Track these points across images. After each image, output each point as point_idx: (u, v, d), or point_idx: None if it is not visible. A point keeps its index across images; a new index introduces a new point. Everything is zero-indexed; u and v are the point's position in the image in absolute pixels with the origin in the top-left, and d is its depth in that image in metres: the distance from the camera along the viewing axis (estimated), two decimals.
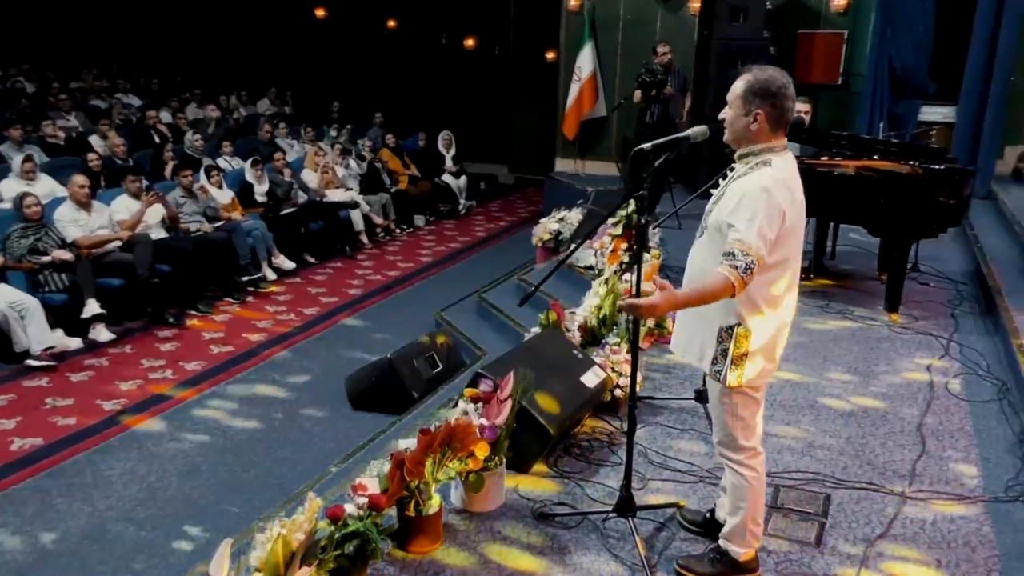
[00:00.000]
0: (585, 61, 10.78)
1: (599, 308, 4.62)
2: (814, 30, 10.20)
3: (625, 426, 3.88)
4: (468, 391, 3.35)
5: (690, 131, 2.75)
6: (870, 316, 5.46)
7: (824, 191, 5.52)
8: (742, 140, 2.56)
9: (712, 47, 9.52)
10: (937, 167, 5.43)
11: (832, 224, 6.57)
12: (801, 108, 6.45)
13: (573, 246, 4.11)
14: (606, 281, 4.82)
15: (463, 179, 12.09)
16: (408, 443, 2.97)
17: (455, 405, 3.36)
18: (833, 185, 5.60)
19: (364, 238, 9.75)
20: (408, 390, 5.31)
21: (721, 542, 2.80)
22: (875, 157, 5.73)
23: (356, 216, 9.64)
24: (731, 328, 2.55)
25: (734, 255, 2.39)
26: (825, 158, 6.24)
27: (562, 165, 11.30)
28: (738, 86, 2.53)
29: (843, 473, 3.52)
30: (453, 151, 12.21)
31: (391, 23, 15.42)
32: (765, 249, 2.41)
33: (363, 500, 2.63)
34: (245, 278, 7.84)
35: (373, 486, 2.70)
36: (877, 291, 5.91)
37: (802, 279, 6.14)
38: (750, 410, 2.64)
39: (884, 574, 2.86)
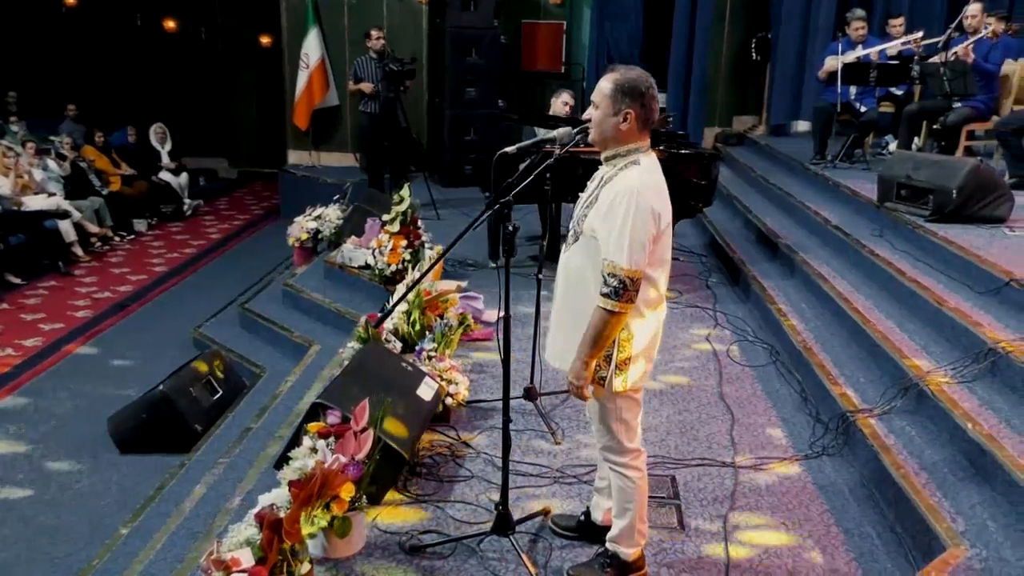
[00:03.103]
0: (312, 48, 10.27)
1: (408, 314, 4.41)
2: (536, 20, 10.65)
3: (463, 436, 3.81)
4: (313, 426, 3.00)
5: (555, 132, 2.66)
6: None
7: (587, 178, 5.77)
8: (610, 140, 2.53)
9: (446, 35, 9.55)
10: (685, 151, 5.91)
11: None
12: (569, 102, 6.70)
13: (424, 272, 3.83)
14: (407, 284, 4.60)
15: (184, 176, 11.01)
16: (270, 498, 2.59)
17: (299, 444, 2.99)
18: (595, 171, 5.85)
19: (78, 250, 8.50)
20: (189, 424, 4.72)
21: (609, 545, 2.79)
22: None
23: (65, 225, 8.35)
24: None
25: (604, 280, 2.42)
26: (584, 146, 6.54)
27: (296, 157, 10.72)
28: (605, 86, 2.49)
29: (677, 452, 3.70)
30: (169, 145, 11.06)
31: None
32: (641, 256, 2.41)
33: None
34: None
35: (247, 558, 2.31)
36: None
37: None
38: (632, 412, 2.64)
39: (747, 546, 3.04)
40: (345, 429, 2.92)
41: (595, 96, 2.53)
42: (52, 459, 4.64)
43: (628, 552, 2.76)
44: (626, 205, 2.40)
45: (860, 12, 7.56)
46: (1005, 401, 3.39)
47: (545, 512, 3.18)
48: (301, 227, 7.25)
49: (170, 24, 13.51)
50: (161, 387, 4.73)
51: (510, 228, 2.64)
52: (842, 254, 5.64)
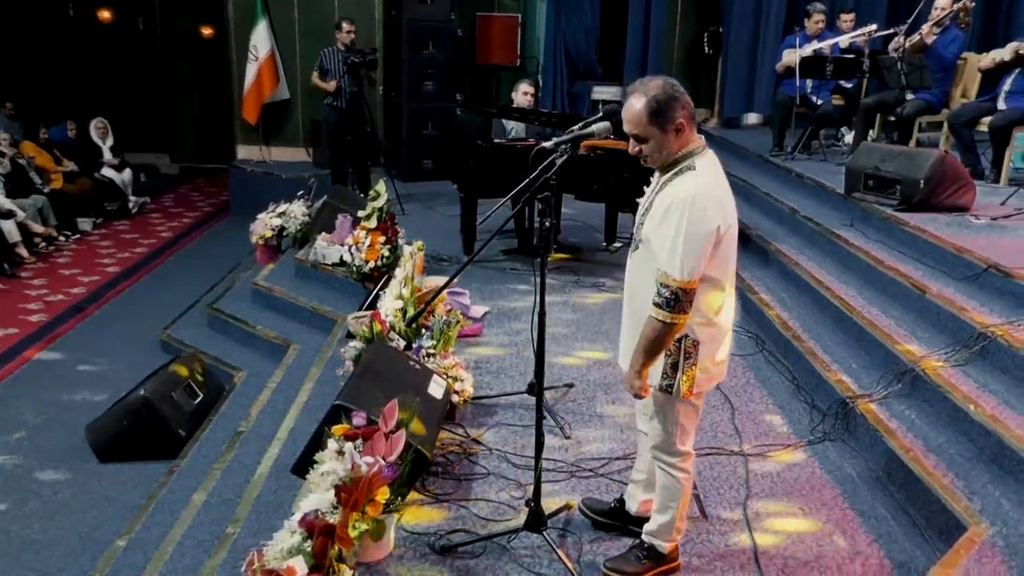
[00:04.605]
0: (261, 40, 10.04)
1: (403, 311, 4.33)
2: (491, 13, 10.60)
3: (470, 432, 3.78)
4: (338, 428, 2.93)
5: (594, 128, 2.64)
6: (619, 286, 5.83)
7: (561, 170, 5.76)
8: (674, 154, 2.48)
9: (403, 27, 9.43)
10: None
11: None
12: (529, 91, 6.67)
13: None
14: (401, 281, 4.53)
15: (127, 172, 10.62)
16: (312, 503, 2.51)
17: (322, 447, 2.92)
18: (569, 165, 5.84)
19: (23, 251, 8.12)
20: (173, 429, 4.56)
21: (646, 537, 2.80)
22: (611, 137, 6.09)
23: (9, 226, 7.98)
24: (679, 341, 2.51)
25: (658, 291, 2.40)
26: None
27: (245, 152, 10.47)
28: (640, 114, 2.39)
29: None
30: (111, 141, 10.64)
31: None
32: (696, 266, 2.38)
33: None
34: None
35: (300, 566, 2.24)
36: (611, 260, 6.32)
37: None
38: (690, 417, 2.65)
39: (769, 532, 3.09)
40: (373, 431, 2.86)
41: (633, 129, 2.43)
42: (28, 470, 4.43)
43: (665, 546, 2.78)
44: (679, 215, 2.36)
45: (821, 6, 7.75)
46: (1000, 383, 3.52)
47: (568, 507, 3.17)
48: (265, 224, 7.06)
49: (105, 14, 12.99)
50: (142, 392, 4.56)
51: (547, 224, 2.63)
52: (815, 244, 5.77)
